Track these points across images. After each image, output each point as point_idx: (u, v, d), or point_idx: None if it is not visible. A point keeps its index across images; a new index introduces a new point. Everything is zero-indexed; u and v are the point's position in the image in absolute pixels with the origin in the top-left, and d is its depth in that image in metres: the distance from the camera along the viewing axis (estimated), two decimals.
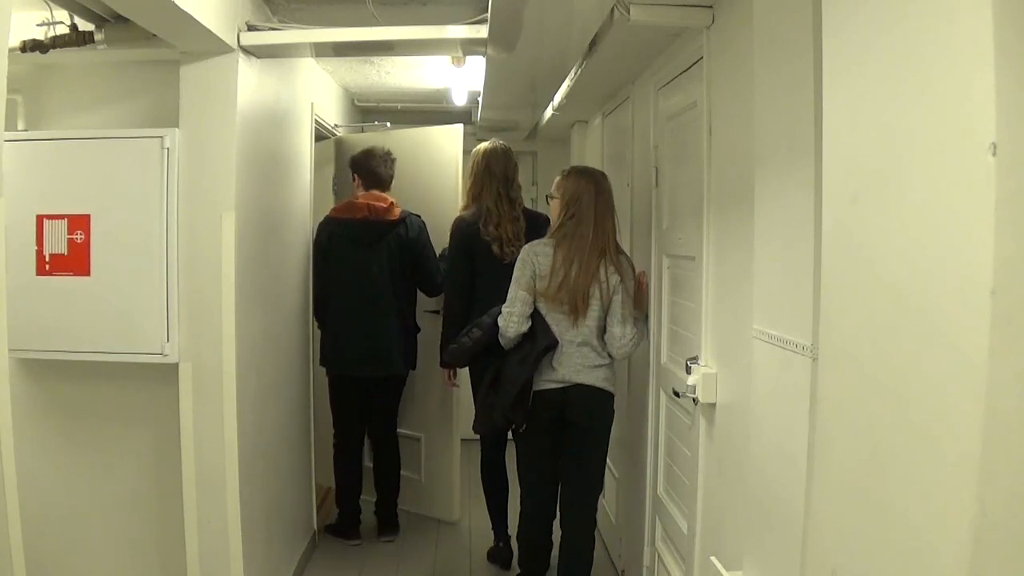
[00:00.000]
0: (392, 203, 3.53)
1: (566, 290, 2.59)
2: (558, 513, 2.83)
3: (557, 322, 2.63)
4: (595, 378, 2.67)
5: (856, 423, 1.19)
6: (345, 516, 3.70)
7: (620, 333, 2.65)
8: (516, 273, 2.66)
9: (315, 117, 3.68)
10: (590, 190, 2.65)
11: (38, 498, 2.62)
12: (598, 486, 2.83)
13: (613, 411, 2.78)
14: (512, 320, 2.62)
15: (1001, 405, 0.87)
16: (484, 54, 2.76)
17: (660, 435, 2.81)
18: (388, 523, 3.73)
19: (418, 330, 3.67)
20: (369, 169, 3.56)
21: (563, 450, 2.74)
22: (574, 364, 2.64)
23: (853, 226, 1.20)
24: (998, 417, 0.88)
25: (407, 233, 3.52)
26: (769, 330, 1.57)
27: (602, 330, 2.67)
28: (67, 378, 2.69)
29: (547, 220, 2.94)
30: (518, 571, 3.01)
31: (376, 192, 3.55)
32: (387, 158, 3.61)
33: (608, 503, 3.57)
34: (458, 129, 3.86)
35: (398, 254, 3.51)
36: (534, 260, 2.64)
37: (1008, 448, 0.88)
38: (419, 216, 3.59)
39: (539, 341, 2.61)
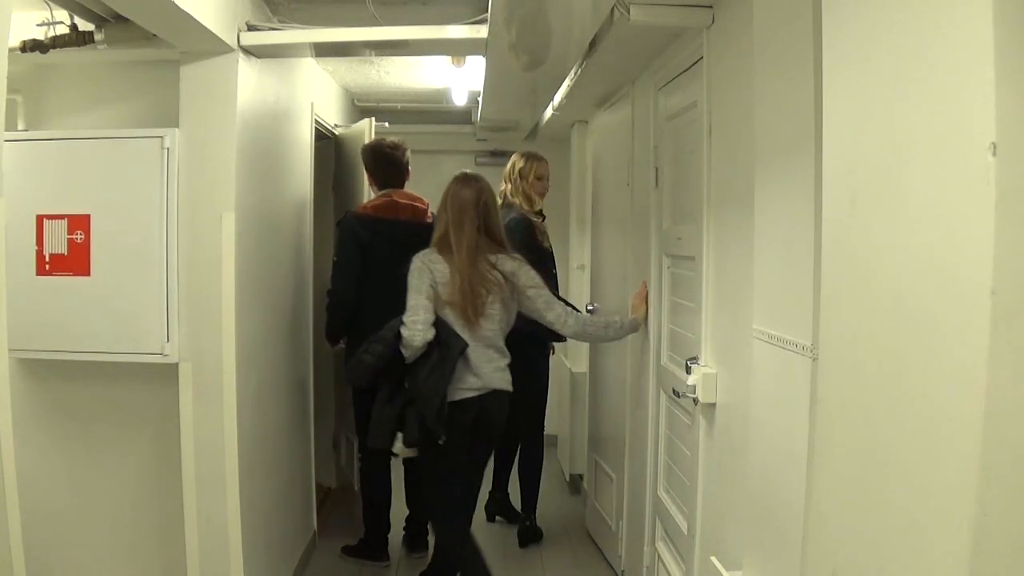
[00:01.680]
0: (428, 205, 3.27)
1: (463, 297, 2.57)
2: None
3: (464, 331, 2.59)
4: (505, 381, 2.70)
5: (856, 423, 1.19)
6: (372, 533, 3.47)
7: (553, 317, 2.71)
8: (414, 282, 2.58)
9: (315, 117, 3.68)
10: (467, 197, 2.68)
11: (38, 498, 2.62)
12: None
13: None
14: (417, 328, 2.51)
15: (1001, 405, 0.87)
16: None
17: (660, 435, 2.81)
18: (419, 538, 3.53)
19: None
20: (387, 164, 3.28)
21: (474, 454, 2.73)
22: (488, 369, 2.64)
23: (853, 226, 1.20)
24: (998, 417, 0.88)
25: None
26: (769, 330, 1.57)
27: (504, 331, 2.70)
28: (67, 378, 2.69)
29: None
30: None
31: (409, 192, 3.30)
32: (396, 152, 3.32)
33: (607, 506, 3.56)
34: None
35: None
36: (431, 268, 2.60)
37: (1008, 448, 0.88)
38: None
39: (453, 346, 2.54)
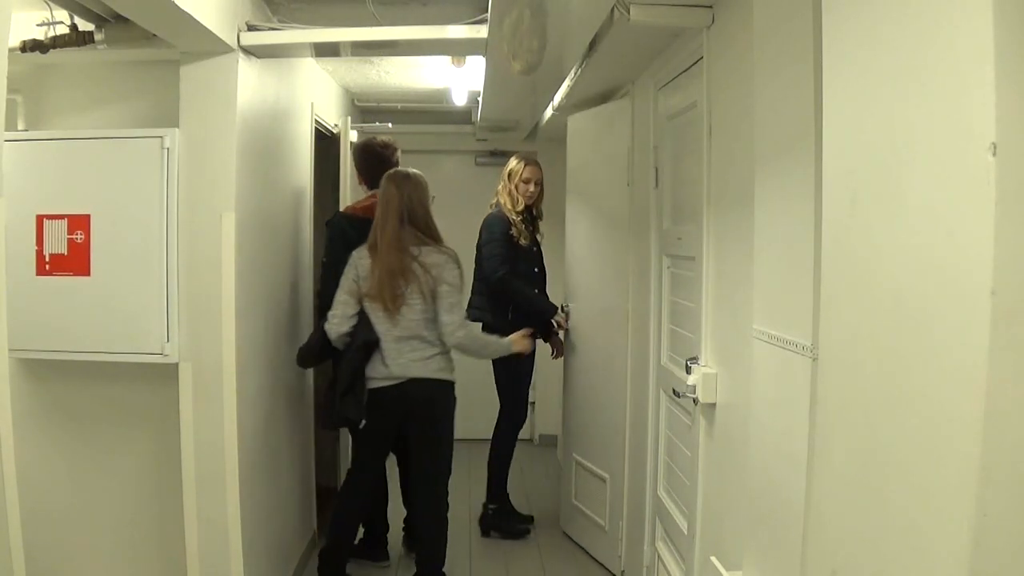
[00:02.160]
0: None
1: (380, 288, 2.76)
2: (411, 506, 3.27)
3: (380, 320, 2.79)
4: (429, 370, 2.83)
5: (856, 423, 1.19)
6: (370, 535, 3.49)
7: (447, 320, 2.80)
8: (342, 279, 2.85)
9: (315, 117, 3.68)
10: (394, 190, 2.83)
11: (38, 498, 2.61)
12: (445, 472, 2.99)
13: (454, 398, 2.95)
14: (333, 322, 2.83)
15: (1001, 405, 0.87)
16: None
17: (660, 435, 2.81)
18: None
19: None
20: (378, 164, 3.22)
21: (411, 442, 2.98)
22: (405, 359, 2.80)
23: (853, 226, 1.20)
24: (998, 417, 0.88)
25: None
26: (769, 330, 1.57)
27: (432, 321, 2.81)
28: (67, 378, 2.69)
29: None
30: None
31: None
32: (385, 151, 3.30)
33: (597, 507, 3.54)
34: None
35: None
36: (357, 263, 2.83)
37: (1008, 448, 0.88)
38: None
39: (358, 337, 2.80)
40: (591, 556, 3.59)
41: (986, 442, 0.88)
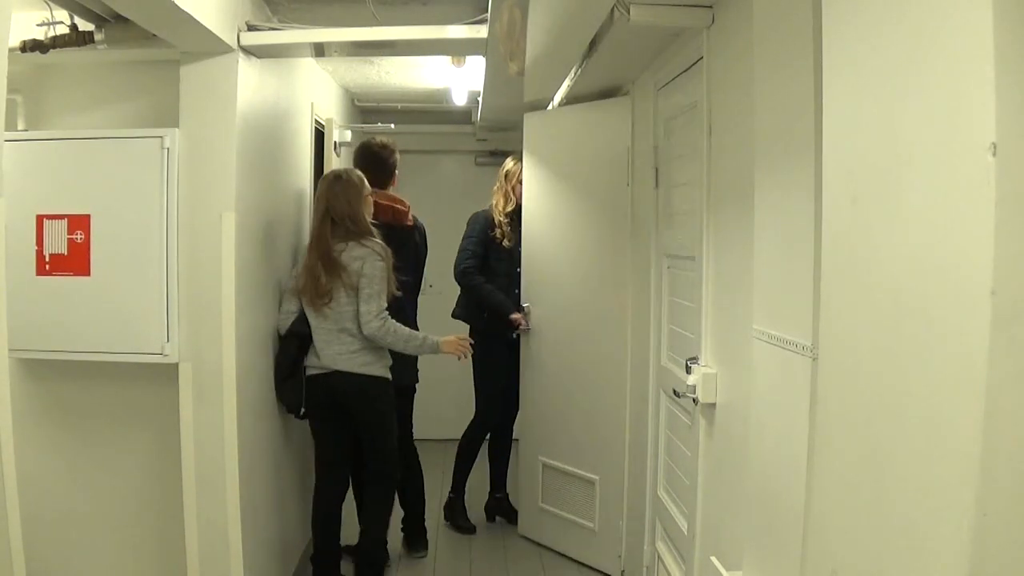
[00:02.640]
0: (409, 207, 3.34)
1: (304, 284, 2.90)
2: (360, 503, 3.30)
3: (310, 314, 2.92)
4: (354, 364, 2.91)
5: (856, 423, 1.19)
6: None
7: (363, 310, 2.87)
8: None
9: (315, 117, 3.68)
10: (324, 190, 2.95)
11: (38, 498, 2.62)
12: (386, 471, 3.07)
13: (389, 395, 3.02)
14: (280, 318, 3.01)
15: (1001, 405, 0.87)
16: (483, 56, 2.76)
17: (660, 435, 2.81)
18: (417, 538, 3.57)
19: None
20: (375, 164, 3.29)
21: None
22: (332, 351, 2.91)
23: (853, 226, 1.20)
24: (998, 417, 0.88)
25: (420, 240, 3.38)
26: (769, 330, 1.57)
27: (352, 316, 2.89)
28: (67, 378, 2.69)
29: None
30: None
31: (390, 193, 3.33)
32: (383, 152, 3.36)
33: (581, 509, 3.51)
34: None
35: (413, 265, 3.28)
36: (297, 261, 3.07)
37: (1008, 448, 0.88)
38: (421, 222, 3.45)
39: (280, 328, 2.99)
40: (570, 559, 3.53)
41: (986, 442, 0.88)
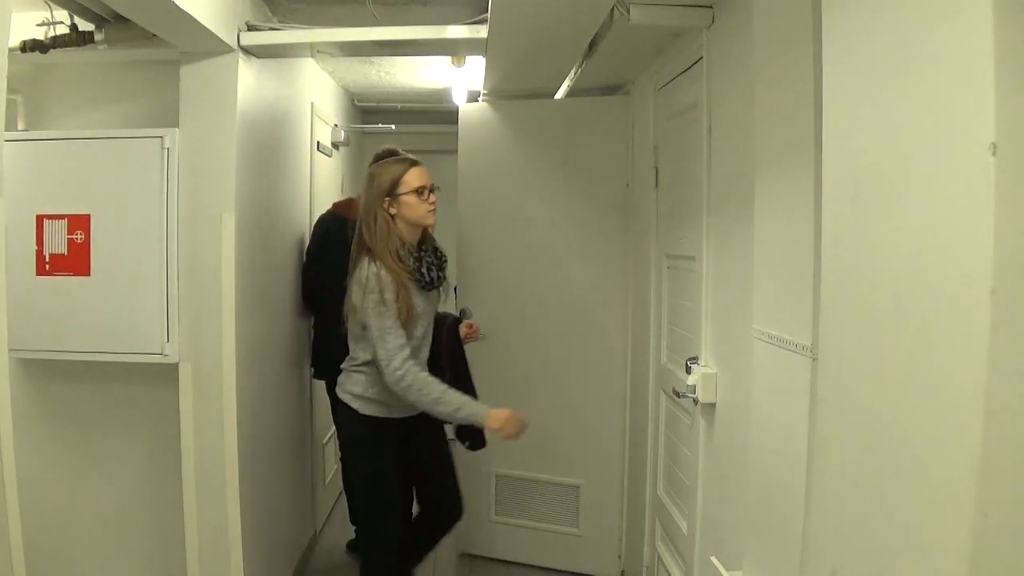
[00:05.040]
0: None
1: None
2: None
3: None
4: (342, 387, 2.50)
5: (856, 423, 1.19)
6: (358, 533, 3.51)
7: (378, 358, 2.33)
8: None
9: (315, 117, 3.68)
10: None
11: (38, 498, 2.62)
12: (363, 511, 2.53)
13: (355, 431, 2.47)
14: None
15: (1001, 405, 0.87)
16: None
17: (660, 435, 2.81)
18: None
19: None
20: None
21: None
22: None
23: (853, 226, 1.20)
24: (998, 417, 0.88)
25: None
26: (769, 330, 1.57)
27: (357, 339, 2.43)
28: (67, 378, 2.69)
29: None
30: None
31: None
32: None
33: (561, 517, 3.46)
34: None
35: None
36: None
37: (1008, 448, 0.88)
38: None
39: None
40: (545, 568, 3.44)
41: (986, 442, 0.88)
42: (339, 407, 2.53)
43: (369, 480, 2.49)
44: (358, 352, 2.44)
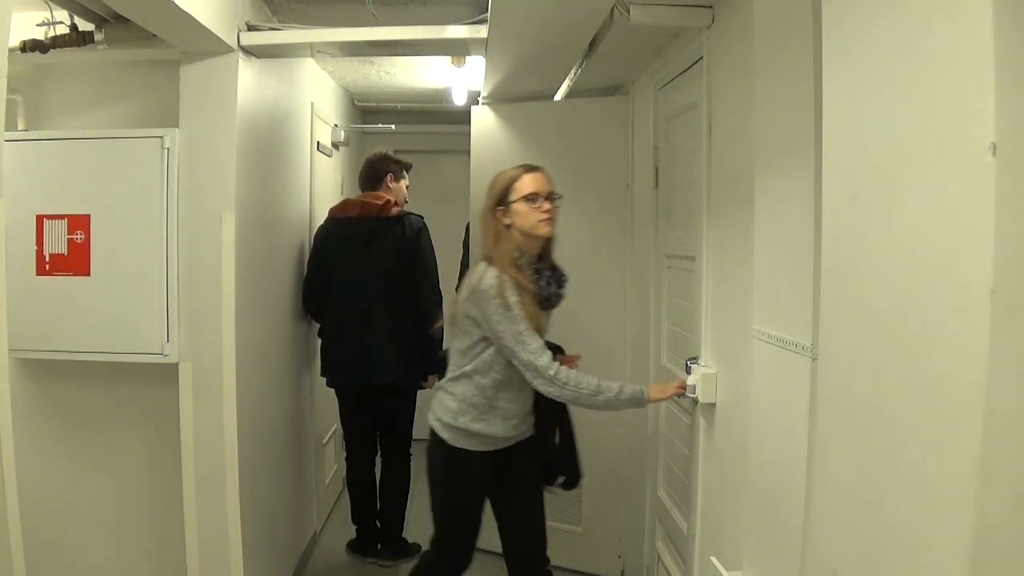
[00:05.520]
0: (388, 201, 3.37)
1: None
2: None
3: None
4: (432, 411, 2.31)
5: (856, 423, 1.19)
6: (359, 532, 3.56)
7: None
8: None
9: (315, 117, 3.68)
10: None
11: (38, 498, 2.62)
12: (437, 534, 2.38)
13: (442, 463, 2.27)
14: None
15: (1001, 405, 0.87)
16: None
17: (660, 435, 2.81)
18: (387, 545, 3.54)
19: (428, 338, 3.28)
20: (361, 173, 3.53)
21: None
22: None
23: (853, 226, 1.20)
24: (998, 417, 0.88)
25: (404, 232, 3.34)
26: (769, 330, 1.57)
27: (470, 353, 2.23)
28: (67, 378, 2.69)
29: None
30: None
31: (372, 192, 3.44)
32: (376, 158, 3.50)
33: (566, 516, 3.46)
34: None
35: (394, 255, 3.32)
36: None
37: (1008, 448, 0.88)
38: (421, 216, 3.44)
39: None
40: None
41: (986, 442, 0.88)
42: (431, 442, 2.30)
43: (450, 513, 2.34)
44: (463, 363, 2.23)
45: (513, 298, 2.13)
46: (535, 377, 2.12)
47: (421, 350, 3.34)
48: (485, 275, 2.17)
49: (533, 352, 2.12)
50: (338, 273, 3.36)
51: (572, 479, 2.46)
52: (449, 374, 2.28)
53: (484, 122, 3.60)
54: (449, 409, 2.23)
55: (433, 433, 2.27)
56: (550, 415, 2.32)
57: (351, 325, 3.33)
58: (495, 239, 2.24)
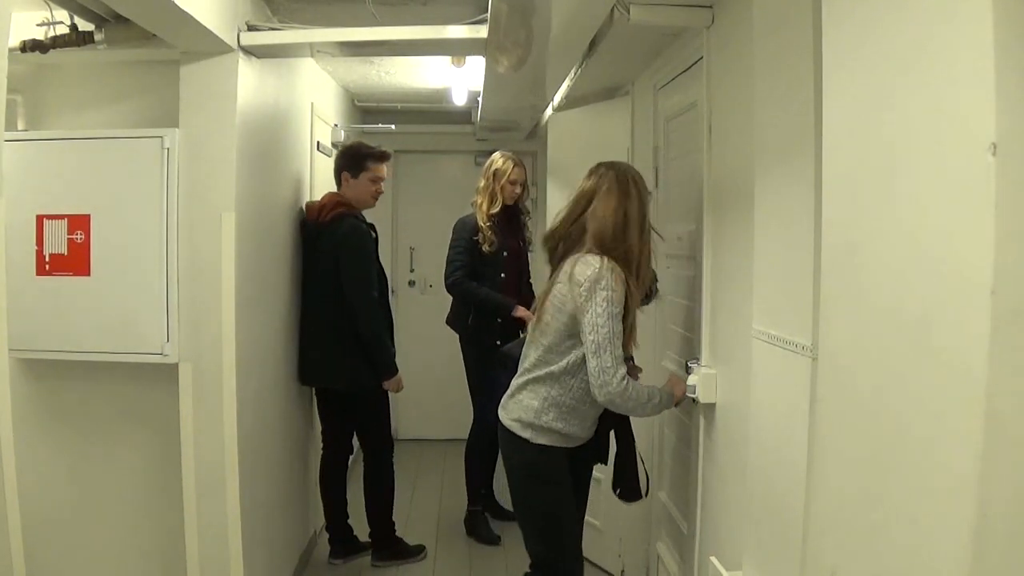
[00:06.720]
0: (326, 204, 3.27)
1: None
2: None
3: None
4: (508, 412, 2.22)
5: (856, 423, 1.19)
6: (331, 539, 3.51)
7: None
8: None
9: (315, 117, 3.68)
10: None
11: (38, 498, 2.62)
12: (542, 551, 2.26)
13: (530, 460, 2.19)
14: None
15: (1001, 406, 0.87)
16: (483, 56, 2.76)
17: (660, 435, 2.81)
18: (379, 547, 3.50)
19: (372, 343, 3.24)
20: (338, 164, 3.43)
21: None
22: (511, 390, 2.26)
23: (853, 226, 1.20)
24: (998, 418, 0.88)
25: (332, 236, 3.22)
26: (769, 330, 1.57)
27: (558, 349, 2.14)
28: (67, 378, 2.69)
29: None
30: None
31: (332, 192, 3.38)
32: (336, 155, 3.45)
33: (591, 509, 3.46)
34: None
35: (329, 259, 3.22)
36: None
37: (1008, 449, 0.88)
38: (355, 218, 3.26)
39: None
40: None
41: (986, 442, 0.88)
42: (507, 444, 2.23)
43: (552, 516, 2.23)
44: (550, 361, 2.14)
45: (622, 294, 2.06)
46: (604, 384, 2.03)
47: (370, 356, 3.26)
48: (602, 262, 2.06)
49: (618, 358, 2.05)
50: (304, 277, 3.36)
51: (627, 492, 2.41)
52: (528, 374, 2.20)
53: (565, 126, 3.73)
54: (530, 408, 2.16)
55: (512, 437, 2.19)
56: (611, 423, 2.29)
57: (306, 330, 3.32)
58: (623, 238, 2.13)
